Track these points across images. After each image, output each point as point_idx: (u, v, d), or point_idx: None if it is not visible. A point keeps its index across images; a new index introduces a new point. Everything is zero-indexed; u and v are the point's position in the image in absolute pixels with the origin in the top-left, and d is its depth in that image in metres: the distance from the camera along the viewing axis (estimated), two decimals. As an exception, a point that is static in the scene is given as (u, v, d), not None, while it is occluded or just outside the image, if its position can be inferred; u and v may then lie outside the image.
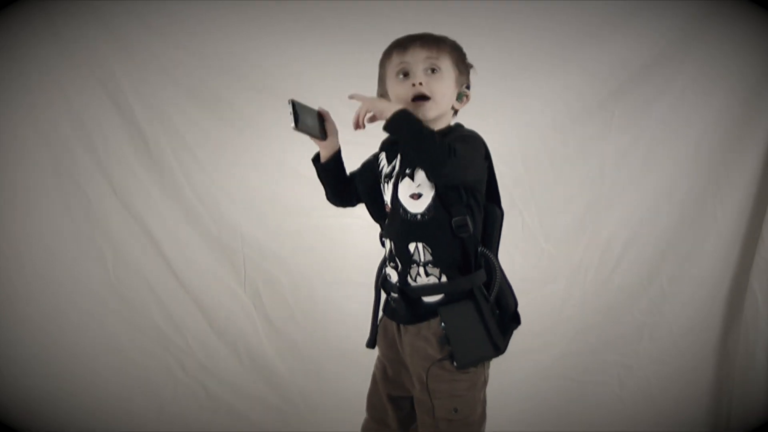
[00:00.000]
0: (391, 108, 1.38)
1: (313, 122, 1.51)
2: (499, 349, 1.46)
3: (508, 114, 2.44)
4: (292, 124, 1.45)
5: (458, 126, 1.55)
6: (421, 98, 1.46)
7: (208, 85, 2.39)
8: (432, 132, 1.38)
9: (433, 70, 1.47)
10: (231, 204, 2.45)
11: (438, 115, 1.49)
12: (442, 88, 1.47)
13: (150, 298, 2.45)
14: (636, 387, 2.53)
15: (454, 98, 1.51)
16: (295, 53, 2.36)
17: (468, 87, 1.54)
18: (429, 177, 1.41)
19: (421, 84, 1.45)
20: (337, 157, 1.59)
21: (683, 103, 2.44)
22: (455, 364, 1.43)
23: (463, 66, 1.52)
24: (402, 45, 1.49)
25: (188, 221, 2.44)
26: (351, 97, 1.46)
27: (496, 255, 1.51)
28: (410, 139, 1.37)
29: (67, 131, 2.36)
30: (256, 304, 2.48)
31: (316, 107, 1.55)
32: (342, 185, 1.62)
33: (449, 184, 1.42)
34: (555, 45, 2.40)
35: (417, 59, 1.46)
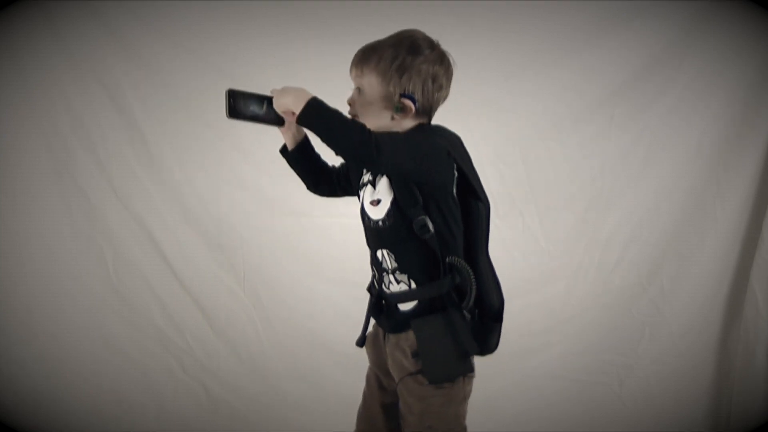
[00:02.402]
0: (298, 101, 1.32)
1: (261, 109, 1.43)
2: (480, 351, 1.43)
3: (508, 114, 2.44)
4: (226, 113, 1.39)
5: (417, 128, 1.46)
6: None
7: (207, 85, 2.39)
8: (345, 119, 1.32)
9: (359, 89, 1.45)
10: (230, 204, 2.45)
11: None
12: (363, 107, 1.43)
13: (150, 298, 2.45)
14: (636, 387, 2.53)
15: (387, 113, 1.43)
16: (296, 53, 2.36)
17: (406, 95, 1.41)
18: (356, 164, 1.40)
19: (350, 105, 1.45)
20: (304, 145, 1.55)
21: (683, 103, 2.44)
22: (426, 380, 1.41)
23: (394, 76, 1.40)
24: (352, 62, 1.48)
25: (188, 221, 2.44)
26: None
27: (485, 249, 1.48)
28: (324, 131, 1.30)
29: (67, 131, 2.36)
30: (255, 304, 2.48)
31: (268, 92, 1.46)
32: (317, 175, 1.59)
33: (385, 171, 1.39)
34: (555, 45, 2.40)
35: (353, 78, 1.46)
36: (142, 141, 2.39)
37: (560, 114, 2.46)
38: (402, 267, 1.44)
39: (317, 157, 1.59)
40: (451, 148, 1.40)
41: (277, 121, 1.46)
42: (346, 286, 2.39)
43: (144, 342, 2.45)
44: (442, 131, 1.45)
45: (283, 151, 1.58)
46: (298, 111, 1.31)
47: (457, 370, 1.42)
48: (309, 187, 1.63)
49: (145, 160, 2.40)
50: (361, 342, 1.59)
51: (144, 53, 2.35)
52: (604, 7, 2.40)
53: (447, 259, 1.41)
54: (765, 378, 2.40)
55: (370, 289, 1.56)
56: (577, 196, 2.50)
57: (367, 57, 1.43)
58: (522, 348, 2.44)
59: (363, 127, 1.30)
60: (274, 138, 2.37)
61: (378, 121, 1.42)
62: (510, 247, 2.47)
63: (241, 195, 2.45)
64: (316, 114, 1.31)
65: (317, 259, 2.46)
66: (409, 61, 1.41)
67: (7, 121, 2.33)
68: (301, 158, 1.56)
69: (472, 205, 1.45)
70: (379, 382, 1.59)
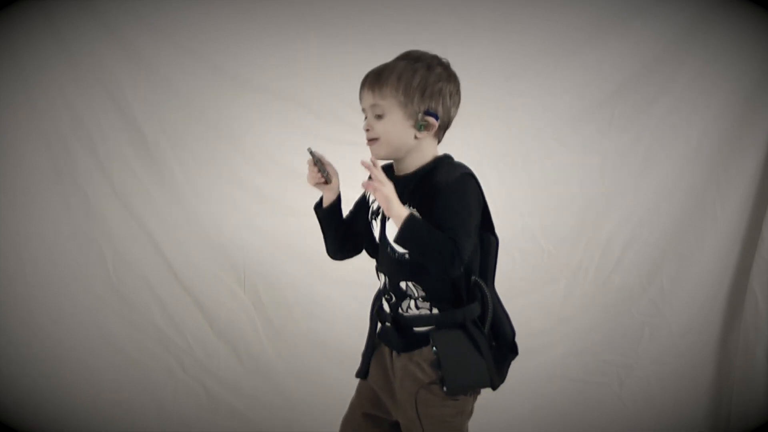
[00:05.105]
0: (396, 219, 1.34)
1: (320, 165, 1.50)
2: (493, 382, 1.46)
3: (508, 114, 2.44)
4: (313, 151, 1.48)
5: (446, 160, 1.48)
6: (372, 140, 1.45)
7: (207, 85, 2.39)
8: (437, 239, 1.32)
9: (378, 116, 1.43)
10: (231, 204, 2.45)
11: (389, 152, 1.45)
12: (386, 129, 1.42)
13: (150, 298, 2.45)
14: (636, 387, 2.53)
15: (410, 132, 1.43)
16: (296, 53, 2.36)
17: (429, 113, 1.43)
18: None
19: (368, 130, 1.44)
20: (339, 203, 1.54)
21: (683, 103, 2.45)
22: (445, 389, 1.41)
23: (416, 94, 1.41)
24: (361, 87, 1.47)
25: (188, 221, 2.44)
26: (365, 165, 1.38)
27: (492, 283, 1.50)
28: (416, 250, 1.35)
29: (67, 131, 2.36)
30: (256, 304, 2.48)
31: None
32: (342, 233, 1.57)
33: None
34: (555, 45, 2.40)
35: (366, 104, 1.45)
36: (142, 141, 2.39)
37: (560, 114, 2.46)
38: (428, 296, 1.45)
39: (342, 215, 1.57)
40: (479, 185, 1.42)
41: (327, 176, 1.50)
42: (347, 286, 2.39)
43: (144, 342, 2.45)
44: (468, 167, 1.45)
45: (317, 207, 1.55)
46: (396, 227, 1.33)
47: (477, 381, 1.44)
48: (330, 251, 1.61)
49: (145, 160, 2.40)
50: (363, 374, 1.59)
51: (144, 53, 2.35)
52: (604, 7, 2.40)
53: (472, 279, 1.44)
54: (765, 378, 2.41)
55: (379, 312, 1.55)
56: (577, 196, 2.50)
57: (383, 78, 1.42)
58: (522, 348, 2.41)
59: (449, 242, 1.31)
60: (274, 139, 2.40)
61: (402, 141, 1.43)
62: (510, 247, 2.47)
63: (241, 195, 2.45)
64: (410, 236, 1.33)
65: (318, 259, 2.43)
66: (427, 79, 1.42)
67: (7, 121, 2.33)
68: (334, 214, 1.55)
69: (486, 237, 1.47)
70: (371, 395, 1.58)
